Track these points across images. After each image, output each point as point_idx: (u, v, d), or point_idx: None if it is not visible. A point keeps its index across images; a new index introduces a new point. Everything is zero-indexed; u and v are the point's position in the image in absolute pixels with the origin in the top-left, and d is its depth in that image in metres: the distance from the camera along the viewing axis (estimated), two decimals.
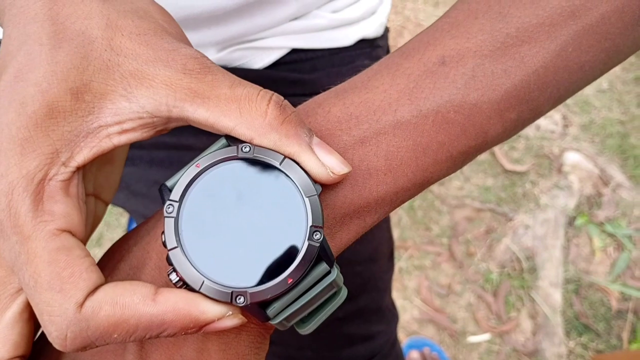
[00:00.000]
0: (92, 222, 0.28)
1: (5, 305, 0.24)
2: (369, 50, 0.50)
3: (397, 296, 1.37)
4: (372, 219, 0.28)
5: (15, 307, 0.24)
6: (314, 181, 0.24)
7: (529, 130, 1.58)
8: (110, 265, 0.28)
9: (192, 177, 0.24)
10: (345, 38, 0.47)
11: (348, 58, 0.48)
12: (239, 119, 0.23)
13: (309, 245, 0.23)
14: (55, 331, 0.21)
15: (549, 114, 1.62)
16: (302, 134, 0.24)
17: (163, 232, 0.23)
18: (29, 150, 0.22)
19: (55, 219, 0.22)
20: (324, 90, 0.31)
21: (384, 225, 0.49)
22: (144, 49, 0.23)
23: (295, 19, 0.45)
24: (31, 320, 0.25)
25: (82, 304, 0.21)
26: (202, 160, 0.24)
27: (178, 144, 0.45)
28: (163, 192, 0.25)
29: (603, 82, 1.69)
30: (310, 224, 0.23)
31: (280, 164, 0.24)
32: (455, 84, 0.27)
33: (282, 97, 0.25)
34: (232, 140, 0.25)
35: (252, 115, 0.23)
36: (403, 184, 0.27)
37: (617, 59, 0.29)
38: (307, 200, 0.24)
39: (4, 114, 0.22)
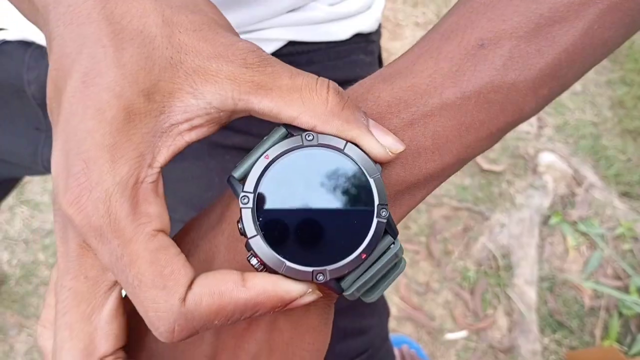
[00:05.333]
0: None
1: (101, 302, 0.25)
2: (364, 45, 0.50)
3: None
4: (422, 194, 0.30)
5: (111, 303, 0.25)
6: (374, 161, 0.26)
7: None
8: None
9: (262, 168, 0.25)
10: (341, 32, 0.47)
11: (344, 52, 0.48)
12: (302, 107, 0.24)
13: (378, 222, 0.25)
14: (163, 326, 0.23)
15: None
16: (360, 117, 0.25)
17: (239, 221, 0.25)
18: (118, 157, 0.22)
19: (151, 220, 0.23)
20: None
21: None
22: (203, 44, 0.24)
23: (293, 10, 0.45)
24: (125, 313, 0.26)
25: (184, 299, 0.23)
26: (270, 152, 0.25)
27: None
28: (233, 184, 0.26)
29: (577, 84, 1.73)
30: (377, 202, 0.25)
31: (344, 148, 0.25)
32: (494, 66, 0.28)
33: (336, 84, 0.26)
34: (292, 129, 0.26)
35: (315, 103, 0.24)
36: (449, 160, 0.29)
37: (634, 32, 0.31)
38: (372, 180, 0.26)
39: (80, 121, 0.23)
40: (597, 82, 1.74)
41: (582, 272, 1.43)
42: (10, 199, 1.43)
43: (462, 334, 1.34)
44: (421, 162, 0.28)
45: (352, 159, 0.26)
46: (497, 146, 1.58)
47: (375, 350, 0.47)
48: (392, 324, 1.33)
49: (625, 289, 1.40)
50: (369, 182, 0.26)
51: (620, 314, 1.37)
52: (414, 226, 1.45)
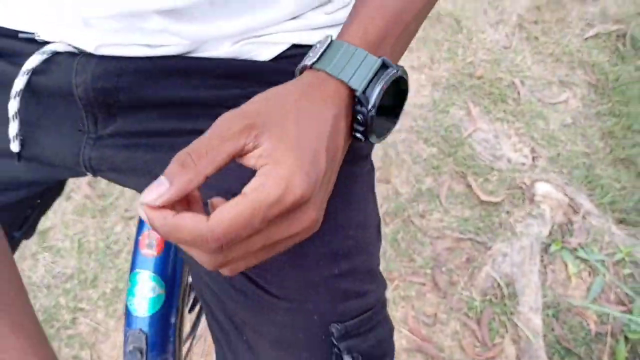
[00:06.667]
0: None
1: None
2: None
3: None
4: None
5: None
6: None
7: (502, 164, 1.68)
8: None
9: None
10: None
11: None
12: None
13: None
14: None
15: (518, 147, 1.72)
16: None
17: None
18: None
19: None
20: None
21: (370, 198, 0.56)
22: None
23: (294, 18, 0.53)
24: None
25: None
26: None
27: (196, 129, 0.47)
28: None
29: (567, 117, 1.81)
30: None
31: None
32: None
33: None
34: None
35: None
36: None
37: None
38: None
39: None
40: (586, 115, 1.82)
41: (586, 298, 1.45)
42: (33, 246, 1.50)
43: None
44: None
45: None
46: (494, 178, 1.65)
47: (375, 313, 0.52)
48: (402, 356, 1.36)
49: (630, 314, 1.42)
50: None
51: (627, 339, 1.38)
52: (419, 258, 1.50)
